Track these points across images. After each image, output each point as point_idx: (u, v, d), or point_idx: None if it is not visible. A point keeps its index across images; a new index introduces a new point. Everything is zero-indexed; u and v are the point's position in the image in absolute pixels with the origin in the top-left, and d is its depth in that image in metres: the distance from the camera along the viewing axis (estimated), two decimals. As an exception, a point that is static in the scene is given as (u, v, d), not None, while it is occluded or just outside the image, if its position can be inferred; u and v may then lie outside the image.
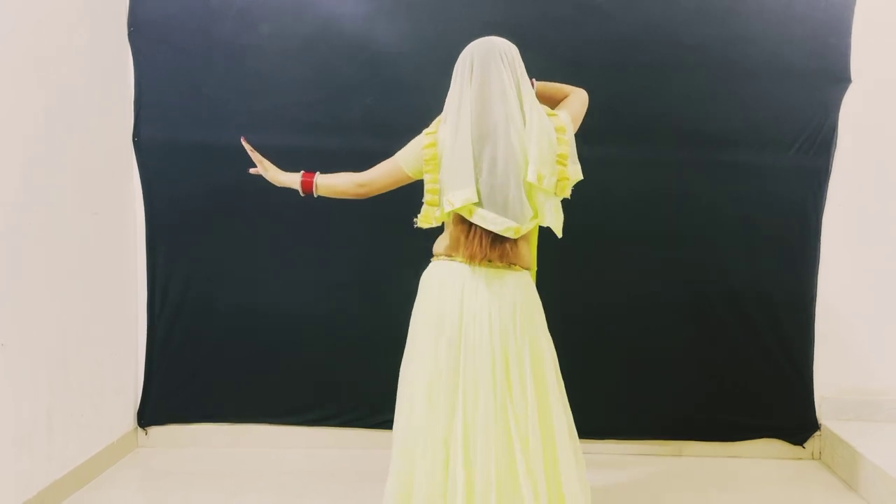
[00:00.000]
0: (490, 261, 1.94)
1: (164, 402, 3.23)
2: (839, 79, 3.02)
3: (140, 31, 3.09)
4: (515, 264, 1.97)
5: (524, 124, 1.86)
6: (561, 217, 1.93)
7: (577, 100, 2.12)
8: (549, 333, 2.05)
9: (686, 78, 3.03)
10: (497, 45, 1.92)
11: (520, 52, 2.01)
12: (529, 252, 2.04)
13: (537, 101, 1.96)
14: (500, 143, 1.83)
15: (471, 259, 1.95)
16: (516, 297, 1.95)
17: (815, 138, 3.03)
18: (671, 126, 3.06)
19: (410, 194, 3.15)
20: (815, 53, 3.01)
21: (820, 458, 3.14)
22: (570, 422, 2.02)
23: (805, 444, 3.15)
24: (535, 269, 2.16)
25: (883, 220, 3.09)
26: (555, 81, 2.20)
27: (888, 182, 3.08)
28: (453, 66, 2.02)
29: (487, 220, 1.85)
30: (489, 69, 1.87)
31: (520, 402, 1.90)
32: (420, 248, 3.11)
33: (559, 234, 1.92)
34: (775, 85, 3.03)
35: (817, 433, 3.14)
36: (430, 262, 2.16)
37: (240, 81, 3.10)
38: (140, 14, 3.09)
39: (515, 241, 1.93)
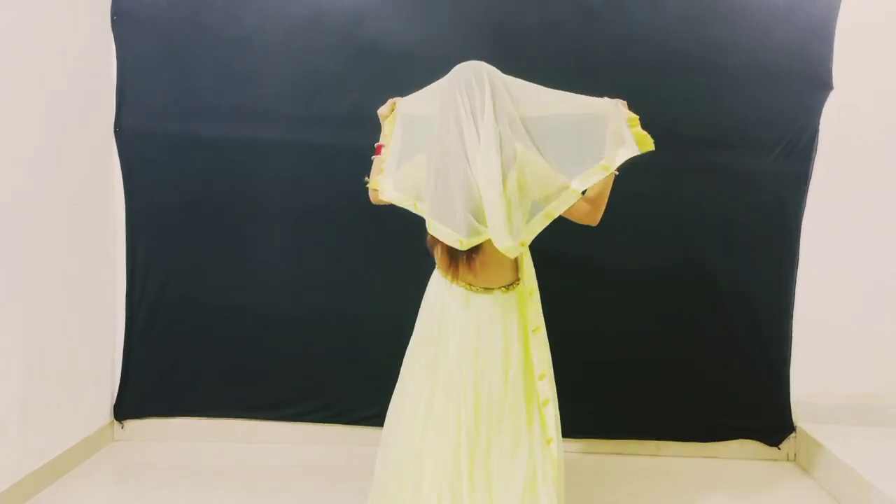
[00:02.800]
0: (467, 282, 2.04)
1: (142, 395, 3.20)
2: (821, 85, 3.05)
3: (124, 20, 3.06)
4: (490, 287, 2.03)
5: (479, 147, 1.87)
6: (516, 246, 1.89)
7: (582, 204, 2.02)
8: (524, 354, 2.06)
9: (671, 81, 3.04)
10: (465, 72, 1.94)
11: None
12: (503, 272, 2.04)
13: (523, 135, 1.94)
14: (451, 164, 1.88)
15: (444, 274, 2.07)
16: (483, 321, 2.02)
17: (796, 143, 3.06)
18: (655, 128, 3.03)
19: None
20: (798, 60, 3.03)
21: (795, 460, 3.18)
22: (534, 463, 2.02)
23: (780, 446, 3.18)
24: (529, 287, 2.11)
25: (862, 226, 3.13)
26: (542, 86, 2.14)
27: (867, 187, 3.11)
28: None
29: (439, 231, 1.94)
30: (452, 95, 1.91)
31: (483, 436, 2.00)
32: (403, 246, 3.12)
33: (510, 256, 1.94)
34: (758, 90, 3.05)
35: (792, 435, 3.18)
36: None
37: (224, 73, 3.08)
38: (124, 3, 3.05)
39: (474, 259, 1.97)
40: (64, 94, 2.80)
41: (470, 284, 2.03)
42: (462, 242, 1.89)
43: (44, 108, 2.67)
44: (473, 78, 1.90)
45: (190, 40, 3.06)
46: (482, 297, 2.03)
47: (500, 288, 2.04)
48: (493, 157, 1.83)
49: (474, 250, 1.95)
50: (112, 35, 3.06)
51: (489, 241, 1.90)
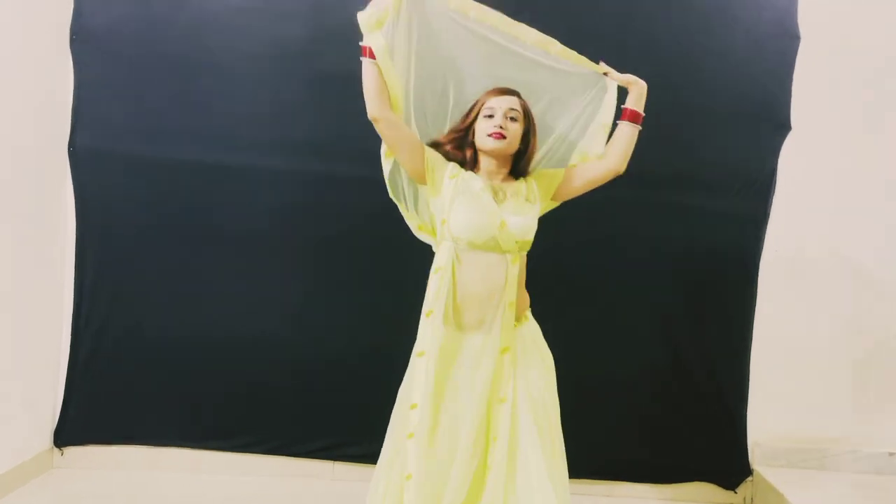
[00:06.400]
0: None
1: (84, 421, 3.10)
2: (779, 126, 3.07)
3: (82, 40, 3.03)
4: None
5: None
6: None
7: None
8: None
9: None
10: None
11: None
12: None
13: None
14: None
15: None
16: None
17: (754, 183, 3.07)
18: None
19: (359, 218, 3.12)
20: (757, 101, 3.07)
21: (751, 504, 3.14)
22: None
23: (737, 490, 3.13)
24: None
25: (819, 268, 3.13)
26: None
27: (824, 229, 3.12)
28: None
29: None
30: None
31: None
32: (348, 279, 3.08)
33: None
34: (718, 129, 3.07)
35: (749, 479, 3.13)
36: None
37: (184, 96, 3.05)
38: (84, 22, 3.03)
39: None
40: (17, 111, 2.76)
41: None
42: None
43: (-7, 123, 2.64)
44: None
45: (150, 62, 3.04)
46: None
47: None
48: None
49: None
50: (70, 54, 3.04)
51: None
